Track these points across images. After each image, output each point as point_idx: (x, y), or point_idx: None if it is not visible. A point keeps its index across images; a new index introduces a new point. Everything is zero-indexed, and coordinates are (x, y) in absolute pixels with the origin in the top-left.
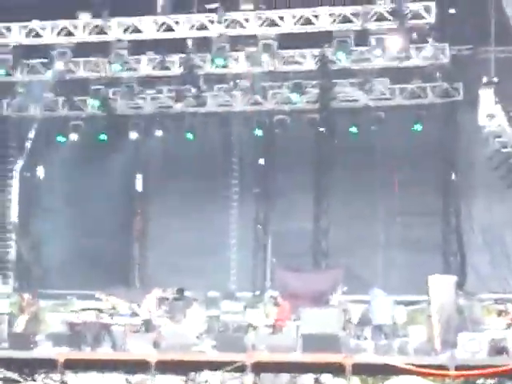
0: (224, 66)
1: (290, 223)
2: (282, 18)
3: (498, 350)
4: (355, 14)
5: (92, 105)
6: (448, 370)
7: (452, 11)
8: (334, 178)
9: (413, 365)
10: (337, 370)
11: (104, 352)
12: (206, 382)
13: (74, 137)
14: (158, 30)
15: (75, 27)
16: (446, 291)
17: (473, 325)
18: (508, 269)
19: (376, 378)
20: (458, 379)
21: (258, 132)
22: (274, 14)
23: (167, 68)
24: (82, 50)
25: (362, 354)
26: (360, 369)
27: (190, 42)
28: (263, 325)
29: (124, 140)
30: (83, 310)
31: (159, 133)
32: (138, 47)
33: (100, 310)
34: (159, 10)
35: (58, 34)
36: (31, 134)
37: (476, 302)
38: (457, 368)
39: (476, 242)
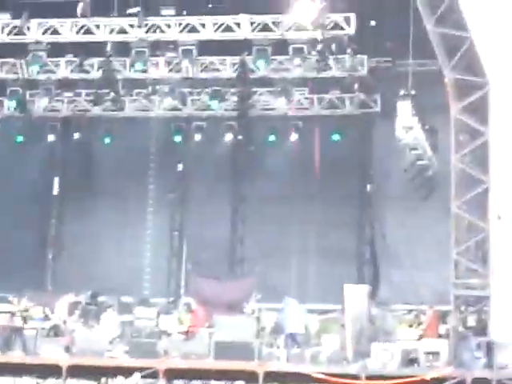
0: (143, 71)
1: (205, 230)
2: (203, 25)
3: (410, 360)
4: (275, 23)
5: (9, 106)
6: (359, 379)
7: (372, 23)
8: (250, 186)
9: (325, 374)
10: (249, 377)
11: (15, 356)
12: None
13: None
14: (77, 33)
15: None
16: (359, 301)
17: (385, 335)
18: (420, 280)
19: None
20: None
21: (177, 138)
22: (194, 20)
23: (86, 71)
24: (0, 50)
25: (275, 362)
26: (273, 377)
27: (109, 46)
28: (176, 331)
29: (41, 142)
30: None
31: (76, 136)
32: (57, 50)
33: (12, 314)
34: (79, 12)
35: None
36: None
37: (388, 313)
38: (368, 377)
39: (389, 253)
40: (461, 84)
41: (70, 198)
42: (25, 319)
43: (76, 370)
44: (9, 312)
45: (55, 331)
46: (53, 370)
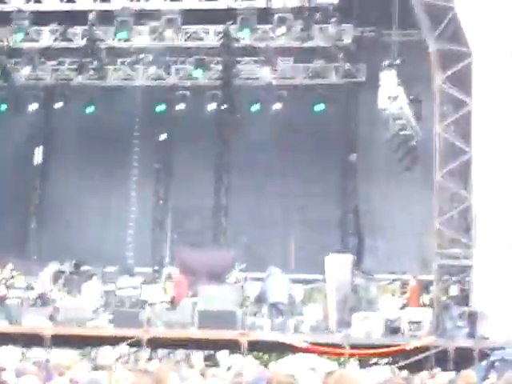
0: (127, 40)
1: (190, 200)
2: None
3: (392, 329)
4: None
5: None
6: (343, 348)
7: None
8: (234, 156)
9: (308, 343)
10: (233, 346)
11: None
12: (103, 356)
13: None
14: (60, 1)
15: None
16: (342, 270)
17: (368, 304)
18: (403, 250)
19: (272, 356)
20: (353, 357)
21: (160, 107)
22: None
23: (69, 40)
24: None
25: (259, 332)
26: (256, 346)
27: (93, 15)
28: (160, 301)
29: (24, 111)
30: None
31: (59, 105)
32: (41, 18)
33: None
34: None
35: None
36: None
37: (372, 282)
38: (352, 347)
39: (373, 223)
40: (444, 54)
41: (53, 167)
42: (9, 286)
43: (60, 340)
44: None
45: (41, 300)
46: (37, 340)
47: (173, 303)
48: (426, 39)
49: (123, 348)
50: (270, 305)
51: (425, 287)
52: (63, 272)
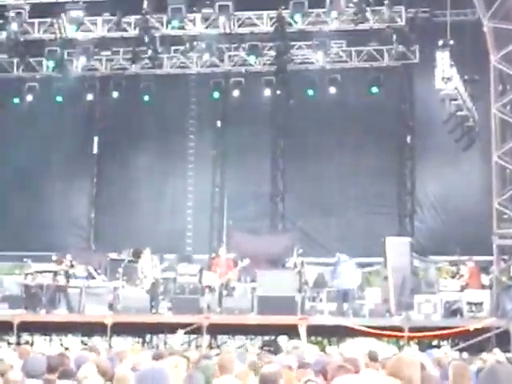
0: (180, 28)
1: (246, 186)
2: None
3: (452, 311)
4: None
5: (47, 66)
6: (402, 331)
7: None
8: (290, 141)
9: (367, 326)
10: (292, 331)
11: (60, 314)
12: (165, 343)
13: (29, 98)
14: None
15: None
16: (401, 253)
17: (428, 287)
18: (462, 231)
19: (331, 340)
20: (412, 340)
21: (215, 94)
22: None
23: (123, 29)
24: (38, 10)
25: (318, 316)
26: (315, 330)
27: (146, 3)
28: (219, 287)
29: (80, 102)
30: (38, 272)
31: (115, 94)
32: (94, 8)
33: (56, 273)
34: None
35: None
36: None
37: (431, 264)
38: (411, 330)
39: (430, 205)
40: (500, 33)
41: (110, 156)
42: (68, 278)
43: (120, 328)
44: (52, 271)
45: (99, 289)
46: (97, 328)
47: (233, 289)
48: (481, 18)
49: (183, 335)
50: (339, 291)
51: (484, 268)
52: (122, 260)
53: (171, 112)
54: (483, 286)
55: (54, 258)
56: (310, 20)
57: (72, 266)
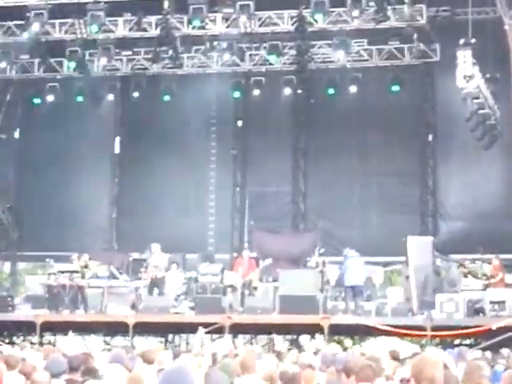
0: (201, 28)
1: (267, 185)
2: None
3: (475, 310)
4: None
5: (68, 66)
6: (425, 330)
7: None
8: (311, 140)
9: (390, 325)
10: (314, 331)
11: (82, 314)
12: (187, 343)
13: (50, 98)
14: None
15: None
16: (423, 252)
17: (450, 285)
18: (485, 229)
19: (354, 339)
20: (435, 339)
21: (236, 93)
22: None
23: (144, 29)
24: (59, 11)
25: (340, 315)
26: (337, 330)
27: (166, 3)
28: (241, 287)
29: (101, 102)
30: (61, 272)
31: (136, 94)
32: (115, 8)
33: (78, 273)
34: None
35: None
36: (7, 97)
37: (453, 263)
38: (433, 329)
39: (453, 203)
40: None
41: (131, 156)
42: (83, 276)
43: (143, 327)
44: (74, 271)
45: (121, 289)
46: (120, 328)
47: (255, 288)
48: (502, 16)
49: (205, 334)
50: (346, 288)
51: (508, 266)
52: (144, 260)
53: (192, 112)
54: (507, 285)
55: (73, 257)
56: (330, 19)
57: (86, 266)
